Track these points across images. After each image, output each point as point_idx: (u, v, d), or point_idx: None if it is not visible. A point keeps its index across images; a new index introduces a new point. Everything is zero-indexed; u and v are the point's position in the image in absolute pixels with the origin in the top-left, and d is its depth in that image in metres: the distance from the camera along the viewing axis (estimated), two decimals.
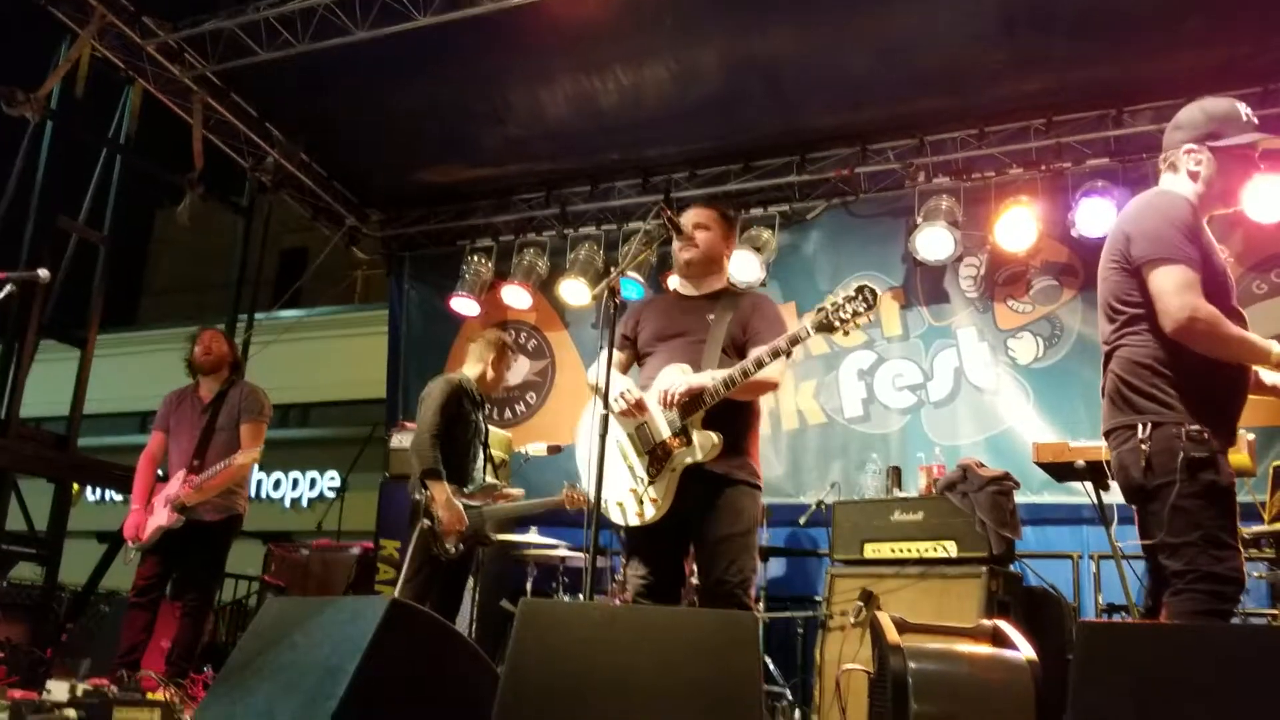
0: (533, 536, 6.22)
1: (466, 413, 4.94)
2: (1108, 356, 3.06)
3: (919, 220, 6.65)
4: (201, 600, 5.19)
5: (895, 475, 6.03)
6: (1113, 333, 3.03)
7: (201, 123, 7.02)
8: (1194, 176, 3.05)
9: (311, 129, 7.54)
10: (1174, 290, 2.83)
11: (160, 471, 5.37)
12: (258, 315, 8.35)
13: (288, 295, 8.58)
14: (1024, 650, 2.03)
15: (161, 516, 5.06)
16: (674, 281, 4.00)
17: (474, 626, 6.15)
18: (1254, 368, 3.00)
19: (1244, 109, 3.07)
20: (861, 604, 5.13)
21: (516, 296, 7.97)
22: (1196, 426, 2.80)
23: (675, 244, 3.74)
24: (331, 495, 13.06)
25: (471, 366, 5.15)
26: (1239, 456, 3.60)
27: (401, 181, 8.15)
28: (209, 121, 7.12)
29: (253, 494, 14.43)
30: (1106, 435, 3.05)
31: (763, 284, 7.13)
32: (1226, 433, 2.89)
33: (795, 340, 3.37)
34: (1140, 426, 2.85)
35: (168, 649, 5.12)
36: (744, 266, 7.05)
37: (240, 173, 7.87)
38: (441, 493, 4.65)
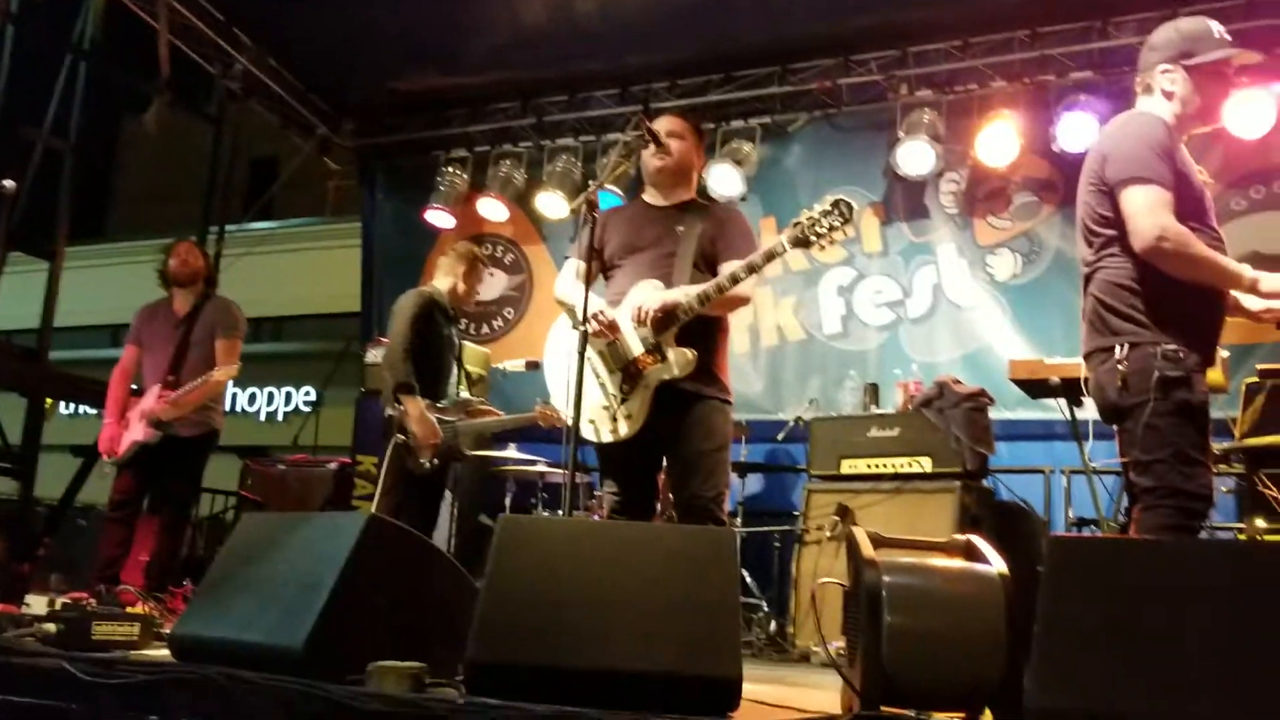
0: (511, 452, 6.24)
1: (439, 327, 4.88)
2: (1087, 279, 3.07)
3: (901, 134, 6.58)
4: (179, 515, 5.18)
5: (873, 392, 6.07)
6: (1091, 255, 3.03)
7: (167, 28, 6.80)
8: (1169, 96, 3.04)
9: (282, 35, 7.34)
10: (1145, 210, 2.83)
11: (135, 386, 5.33)
12: (228, 227, 8.20)
13: (258, 206, 8.42)
14: (995, 564, 2.06)
15: (138, 432, 5.03)
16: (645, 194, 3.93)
17: (452, 542, 6.19)
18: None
19: (1216, 26, 3.06)
20: (837, 519, 5.20)
21: (493, 209, 7.87)
22: (1173, 346, 2.82)
23: (647, 151, 3.67)
24: (307, 410, 13.03)
25: (442, 280, 5.08)
26: (1213, 374, 3.61)
27: (375, 90, 7.94)
28: (175, 27, 6.91)
29: (227, 408, 14.26)
30: (1086, 358, 3.07)
31: (743, 198, 7.07)
32: (1204, 352, 2.91)
33: (771, 255, 3.33)
34: (1118, 348, 2.88)
35: (146, 563, 5.14)
36: (724, 180, 6.98)
37: (209, 80, 7.68)
38: (415, 407, 4.62)
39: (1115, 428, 3.01)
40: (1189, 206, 2.90)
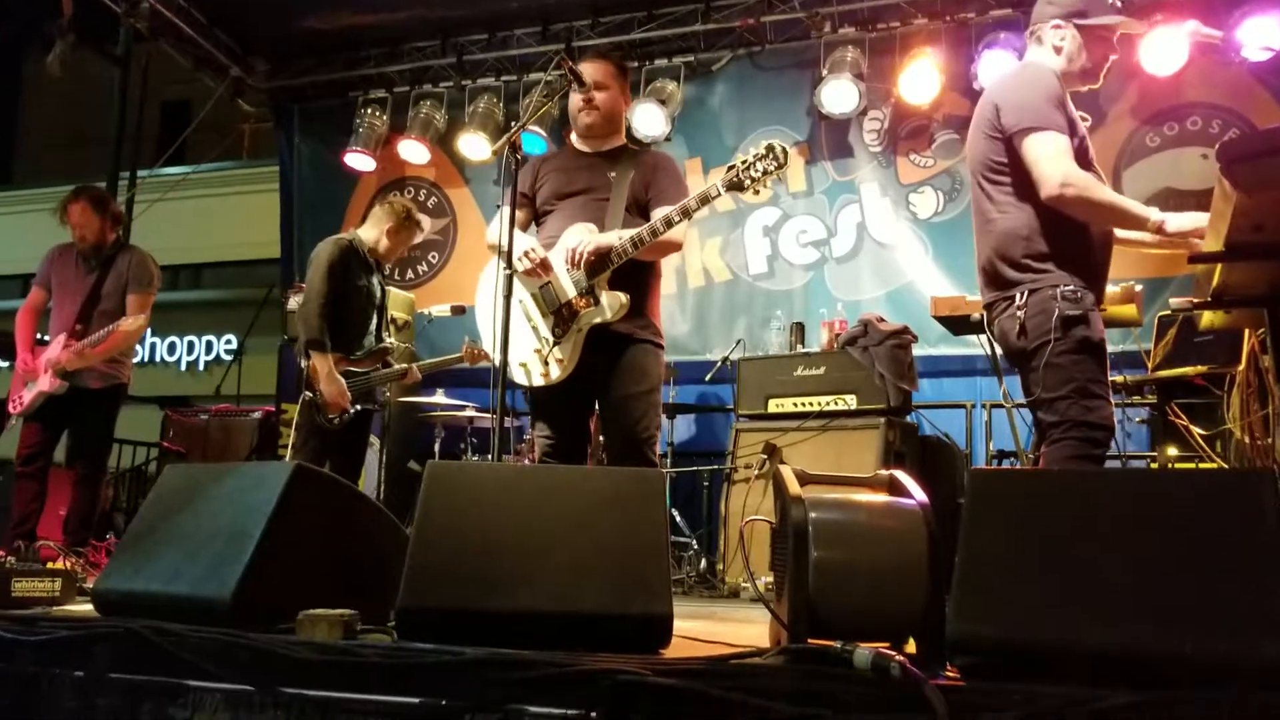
0: (439, 398, 6.20)
1: (355, 277, 4.73)
2: (980, 228, 3.12)
3: (824, 72, 6.59)
4: (93, 469, 5.07)
5: (799, 331, 6.13)
6: (987, 205, 3.08)
7: None
8: (1058, 51, 3.11)
9: None
10: (1047, 157, 2.90)
11: (43, 336, 5.17)
12: (141, 172, 7.95)
13: (171, 151, 8.16)
14: (918, 497, 2.10)
15: (44, 382, 4.90)
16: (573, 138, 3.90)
17: (381, 489, 6.16)
18: None
19: None
20: (765, 457, 5.26)
21: (414, 151, 7.74)
22: (1071, 286, 2.90)
23: (574, 103, 3.63)
24: (229, 359, 12.78)
25: (367, 230, 4.91)
26: (1127, 308, 3.72)
27: (287, 29, 7.71)
28: None
29: (146, 357, 14.07)
30: (987, 308, 3.14)
31: (667, 138, 7.04)
32: (1098, 291, 3.02)
33: (705, 199, 3.34)
34: (1017, 295, 2.96)
35: (64, 517, 5.03)
36: (648, 120, 6.93)
37: (115, 20, 7.38)
38: (324, 365, 4.51)
39: (1019, 371, 3.10)
40: (1076, 157, 2.96)
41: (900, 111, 6.77)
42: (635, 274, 3.47)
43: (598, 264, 3.39)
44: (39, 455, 4.95)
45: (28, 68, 18.01)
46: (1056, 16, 3.09)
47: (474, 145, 7.48)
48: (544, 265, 3.45)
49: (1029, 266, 2.95)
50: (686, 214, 3.34)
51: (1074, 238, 2.96)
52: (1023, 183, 2.97)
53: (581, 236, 3.41)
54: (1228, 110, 6.08)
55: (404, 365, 5.00)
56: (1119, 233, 3.13)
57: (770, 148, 3.26)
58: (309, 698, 1.94)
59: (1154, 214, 2.92)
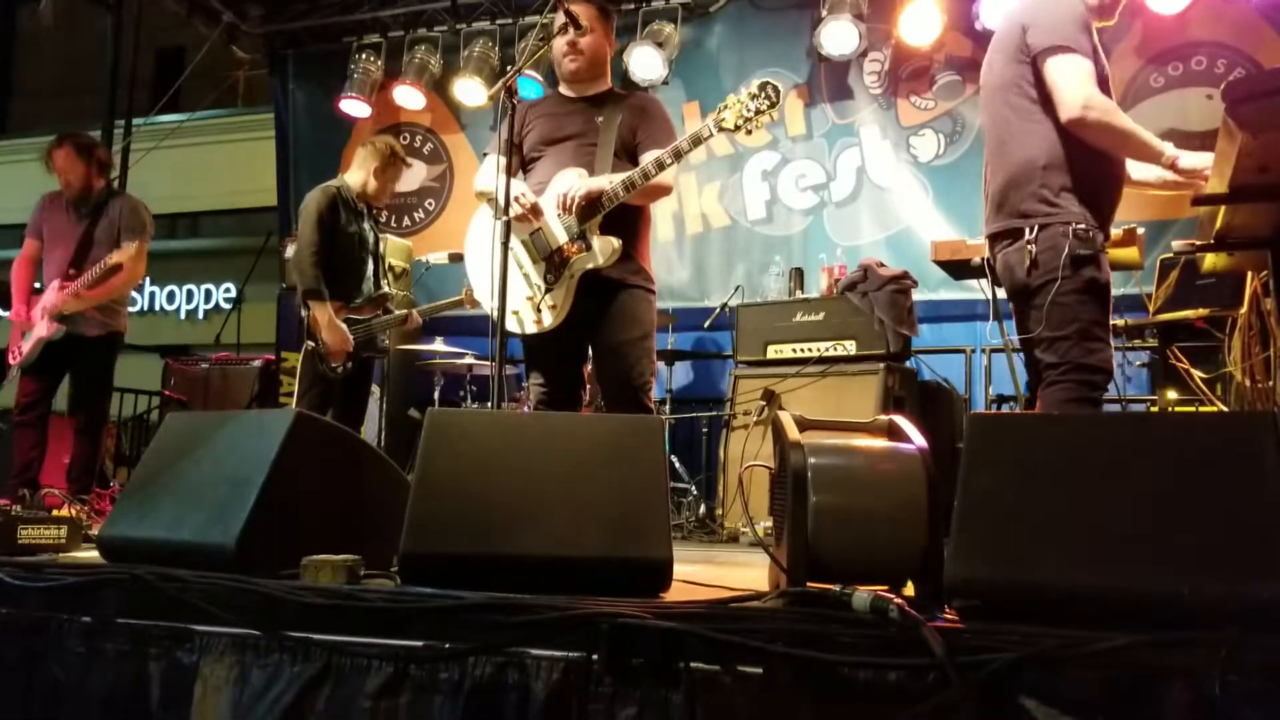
0: (439, 346, 6.20)
1: (345, 224, 4.70)
2: (997, 155, 3.07)
3: (824, 13, 6.51)
4: (93, 417, 5.07)
5: (798, 277, 6.11)
6: (1006, 132, 3.03)
7: None
8: None
9: None
10: (1072, 79, 2.84)
11: (37, 285, 5.15)
12: (136, 120, 7.89)
13: (166, 99, 8.10)
14: (917, 442, 2.10)
15: (41, 328, 4.89)
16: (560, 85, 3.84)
17: (382, 436, 6.18)
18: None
19: None
20: (764, 403, 5.27)
21: (409, 97, 7.68)
22: (1083, 225, 2.87)
23: (557, 49, 3.57)
24: (228, 307, 12.75)
25: (354, 174, 4.87)
26: (1129, 251, 3.70)
27: None
28: None
29: (145, 306, 14.05)
30: (991, 238, 3.10)
31: (665, 82, 6.97)
32: (1106, 232, 2.98)
33: (697, 140, 3.30)
34: (1027, 230, 2.92)
35: (67, 465, 5.05)
36: (646, 63, 6.87)
37: None
38: (324, 314, 4.52)
39: (1014, 307, 3.08)
40: (1099, 86, 2.92)
41: (901, 53, 6.69)
42: (625, 219, 3.45)
43: (589, 209, 3.37)
44: (37, 404, 4.96)
45: (21, 18, 17.79)
46: None
47: (469, 90, 7.41)
48: (535, 210, 3.42)
49: (1045, 198, 2.91)
50: (678, 156, 3.30)
51: (1091, 175, 2.92)
52: (1049, 107, 2.92)
53: (572, 181, 3.38)
54: (1234, 49, 6.01)
55: (404, 311, 4.99)
56: (1129, 172, 3.10)
57: (763, 85, 3.22)
58: (314, 641, 1.96)
59: (1169, 148, 2.89)
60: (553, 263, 3.46)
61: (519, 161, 3.66)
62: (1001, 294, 3.21)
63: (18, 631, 2.29)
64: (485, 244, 3.39)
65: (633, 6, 7.01)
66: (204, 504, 2.36)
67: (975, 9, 6.23)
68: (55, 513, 3.32)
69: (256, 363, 7.36)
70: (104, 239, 5.02)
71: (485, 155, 3.70)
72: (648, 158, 3.37)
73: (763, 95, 3.22)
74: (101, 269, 4.83)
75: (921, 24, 6.36)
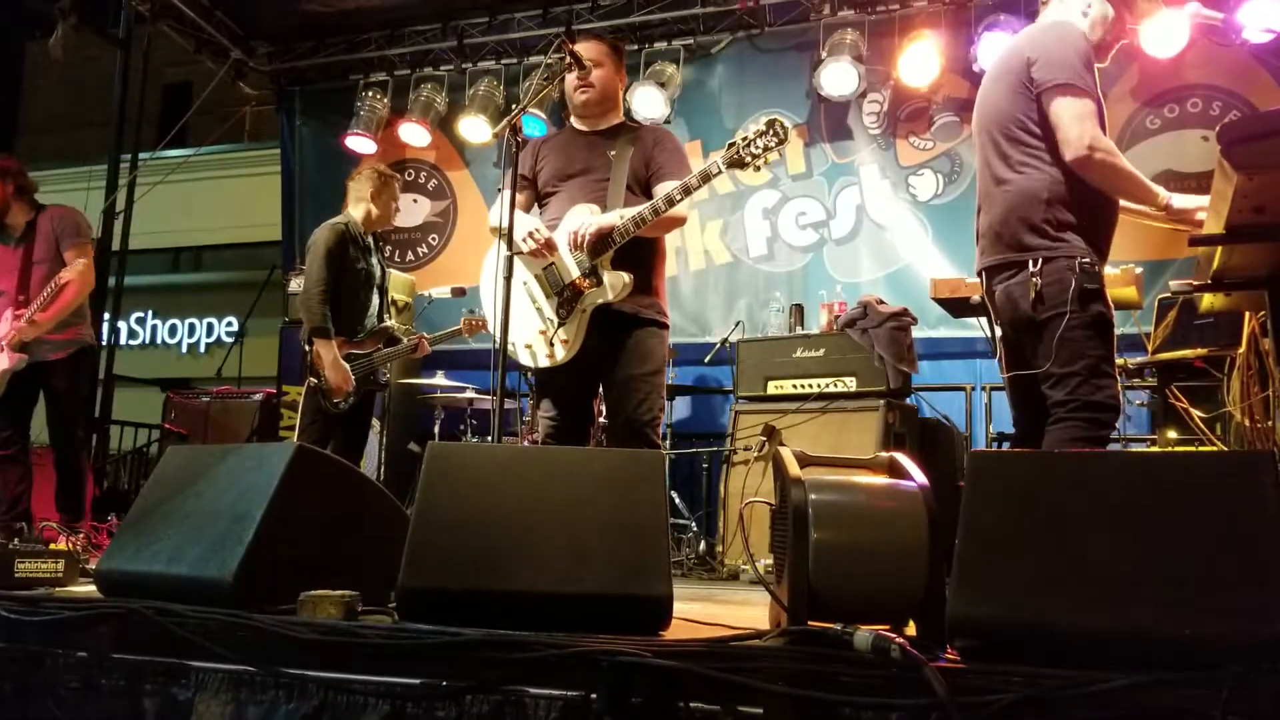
0: (440, 380, 6.21)
1: (353, 260, 4.74)
2: (995, 188, 3.05)
3: (823, 55, 6.57)
4: (68, 448, 4.93)
5: (798, 313, 6.13)
6: (1004, 166, 3.02)
7: None
8: (1085, 15, 3.05)
9: None
10: (1076, 118, 2.84)
11: None
12: (142, 154, 7.93)
13: (173, 133, 8.15)
14: (918, 479, 2.10)
15: (2, 360, 4.77)
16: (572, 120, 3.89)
17: (382, 470, 6.17)
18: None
19: None
20: (764, 439, 5.27)
21: (414, 134, 7.73)
22: (1088, 259, 2.86)
23: (569, 83, 3.62)
24: (230, 341, 12.79)
25: (355, 208, 4.89)
26: (1127, 290, 3.71)
27: (288, 11, 7.68)
28: None
29: (147, 339, 14.09)
30: (988, 271, 3.06)
31: (667, 121, 7.02)
32: (1104, 266, 2.98)
33: (706, 176, 3.32)
34: (1030, 262, 2.89)
35: (55, 493, 4.95)
36: (648, 103, 6.92)
37: (116, 2, 7.35)
38: (329, 352, 4.54)
39: (1014, 339, 3.06)
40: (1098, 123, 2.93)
41: (899, 94, 6.75)
42: (639, 252, 3.47)
43: (600, 244, 3.39)
44: (13, 439, 4.85)
45: (29, 53, 17.97)
46: None
47: (474, 128, 7.46)
48: (548, 245, 3.46)
49: (1046, 232, 2.89)
50: (688, 191, 3.33)
51: (1092, 209, 2.91)
52: (1050, 143, 2.91)
53: (583, 218, 3.41)
54: (1228, 92, 6.06)
55: (415, 338, 5.00)
56: (1123, 203, 3.11)
57: (771, 123, 3.24)
58: (310, 678, 1.95)
59: (1162, 192, 2.91)
60: (565, 297, 3.48)
61: (533, 196, 3.71)
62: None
63: (13, 666, 2.27)
64: (496, 277, 3.41)
65: (635, 48, 7.07)
66: (202, 538, 2.35)
67: (973, 52, 6.30)
68: (53, 546, 3.32)
69: (257, 396, 7.36)
70: (44, 257, 4.90)
71: (500, 191, 3.73)
72: (661, 189, 3.41)
73: (770, 133, 3.24)
74: (52, 290, 4.73)
75: (920, 66, 6.41)
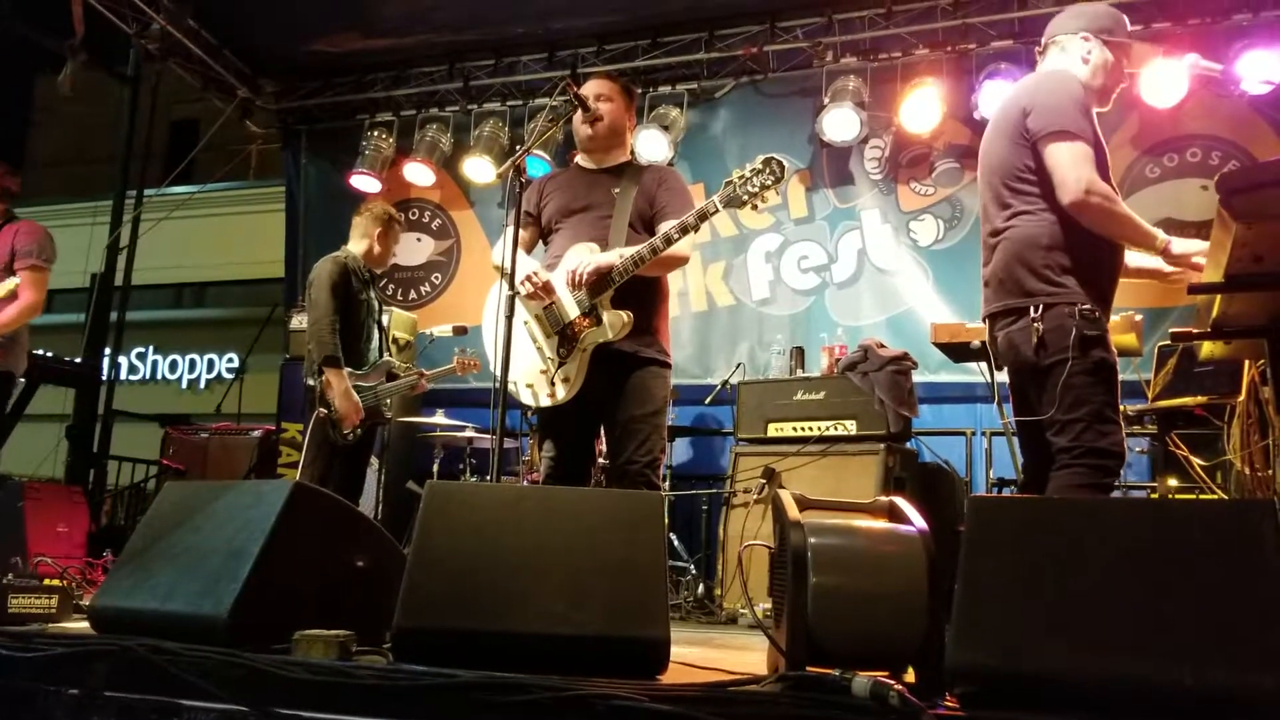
0: (439, 419, 6.20)
1: (356, 292, 4.81)
2: (995, 236, 3.08)
3: (826, 101, 6.64)
4: None
5: (799, 356, 6.14)
6: (1004, 215, 3.04)
7: None
8: (1085, 62, 3.09)
9: None
10: (1071, 163, 2.87)
11: None
12: (148, 190, 7.99)
13: (179, 170, 8.22)
14: (918, 524, 2.09)
15: None
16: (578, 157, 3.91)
17: (380, 508, 6.14)
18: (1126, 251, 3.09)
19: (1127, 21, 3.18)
20: (764, 481, 5.25)
21: (419, 174, 7.78)
22: (1089, 305, 2.87)
23: (577, 118, 3.65)
24: (230, 377, 12.79)
25: (357, 243, 4.97)
26: (1127, 337, 3.72)
27: (296, 51, 7.77)
28: None
29: (147, 374, 14.09)
30: (991, 318, 3.09)
31: (670, 164, 7.06)
32: (1107, 313, 2.99)
33: (704, 215, 3.34)
34: (1032, 308, 2.91)
35: None
36: (652, 146, 6.97)
37: (125, 39, 7.43)
38: (340, 382, 4.57)
39: (1013, 388, 3.07)
40: (1098, 169, 2.95)
41: (901, 140, 6.80)
42: (640, 291, 3.48)
43: (599, 284, 3.40)
44: None
45: (39, 89, 18.13)
46: (1085, 30, 3.09)
47: (479, 168, 7.51)
48: (546, 288, 3.47)
49: (1048, 278, 2.90)
50: (685, 230, 3.34)
51: (1092, 256, 2.92)
52: (1048, 191, 2.93)
53: (582, 257, 3.43)
54: (1227, 142, 6.10)
55: (416, 374, 5.03)
56: (1126, 261, 3.12)
57: (768, 161, 3.26)
58: (304, 719, 1.93)
59: (1161, 234, 2.92)
60: (565, 336, 3.48)
61: (538, 233, 3.72)
62: (1005, 377, 3.20)
63: (4, 703, 2.25)
64: (496, 316, 3.42)
65: (640, 91, 7.14)
66: (198, 575, 2.34)
67: (974, 99, 6.36)
68: (47, 582, 3.30)
69: (256, 433, 7.36)
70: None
71: (505, 227, 3.75)
72: (664, 228, 3.41)
73: (767, 170, 3.27)
74: None
75: (922, 113, 6.47)
